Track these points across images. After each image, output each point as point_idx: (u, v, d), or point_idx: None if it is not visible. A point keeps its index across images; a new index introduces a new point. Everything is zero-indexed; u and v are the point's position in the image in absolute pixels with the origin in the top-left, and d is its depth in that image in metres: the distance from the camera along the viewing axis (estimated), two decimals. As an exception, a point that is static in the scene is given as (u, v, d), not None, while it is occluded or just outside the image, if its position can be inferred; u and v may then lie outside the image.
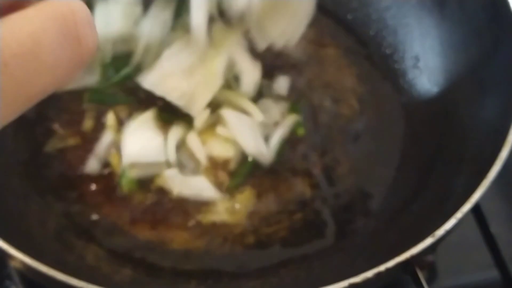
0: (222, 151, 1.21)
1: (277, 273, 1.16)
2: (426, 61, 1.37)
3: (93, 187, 1.21)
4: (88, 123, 1.26)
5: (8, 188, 1.20)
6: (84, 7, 0.37)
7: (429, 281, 1.09)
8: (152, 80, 1.17)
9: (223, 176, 1.20)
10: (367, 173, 1.27)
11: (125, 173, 1.18)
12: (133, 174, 1.17)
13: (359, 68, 1.38)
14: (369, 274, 0.93)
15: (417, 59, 1.38)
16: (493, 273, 1.24)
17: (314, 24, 1.43)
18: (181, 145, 1.20)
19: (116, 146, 1.20)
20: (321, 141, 1.29)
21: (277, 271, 1.16)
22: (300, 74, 1.35)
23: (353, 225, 1.21)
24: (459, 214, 0.99)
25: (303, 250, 1.18)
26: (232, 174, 1.21)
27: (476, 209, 1.27)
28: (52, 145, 1.26)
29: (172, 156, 1.18)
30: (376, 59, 1.39)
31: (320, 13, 1.45)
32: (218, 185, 1.20)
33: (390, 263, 0.94)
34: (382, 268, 0.93)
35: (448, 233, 0.98)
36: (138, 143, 1.18)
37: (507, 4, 1.19)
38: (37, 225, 1.17)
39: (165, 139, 1.19)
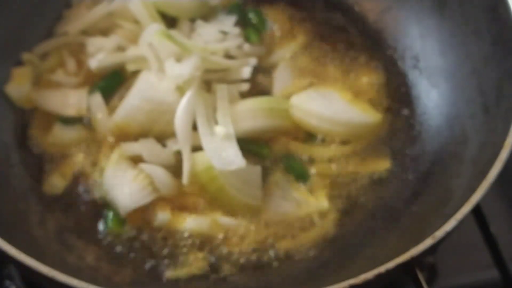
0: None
1: (277, 273, 1.16)
2: (426, 61, 1.37)
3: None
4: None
5: (8, 188, 1.20)
6: None
7: (429, 281, 1.09)
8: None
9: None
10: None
11: (109, 214, 1.19)
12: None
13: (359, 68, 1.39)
14: (369, 275, 0.93)
15: (417, 59, 1.38)
16: (493, 273, 1.24)
17: (316, 22, 1.45)
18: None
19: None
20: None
21: (277, 270, 1.16)
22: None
23: (354, 226, 1.22)
24: (459, 215, 0.99)
25: (304, 250, 1.18)
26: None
27: (476, 210, 1.27)
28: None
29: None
30: (376, 60, 1.40)
31: (322, 12, 1.47)
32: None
33: (390, 264, 0.94)
34: (382, 269, 0.94)
35: (448, 234, 0.98)
36: (126, 190, 1.18)
37: (507, 5, 1.19)
38: (37, 225, 1.17)
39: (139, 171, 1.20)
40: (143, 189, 1.18)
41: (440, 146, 1.26)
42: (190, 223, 1.18)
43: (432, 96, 1.33)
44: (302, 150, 1.26)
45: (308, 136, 1.28)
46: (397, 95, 1.35)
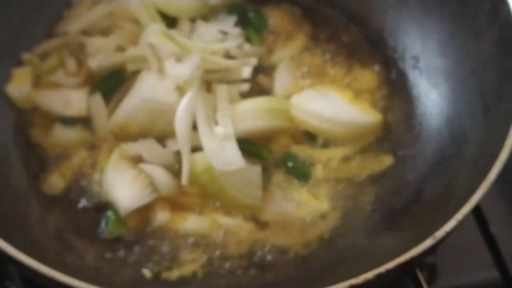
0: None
1: (277, 273, 1.16)
2: (426, 61, 1.37)
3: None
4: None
5: (8, 188, 1.20)
6: None
7: (429, 281, 1.09)
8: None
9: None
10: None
11: (108, 215, 1.19)
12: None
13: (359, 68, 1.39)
14: (369, 275, 0.93)
15: (417, 59, 1.38)
16: (493, 273, 1.24)
17: (317, 22, 1.45)
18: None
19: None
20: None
21: (277, 270, 1.17)
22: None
23: (354, 226, 1.22)
24: (459, 216, 0.99)
25: (304, 250, 1.18)
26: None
27: (476, 210, 1.27)
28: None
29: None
30: (376, 60, 1.40)
31: (322, 12, 1.47)
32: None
33: (390, 264, 0.94)
34: (382, 269, 0.93)
35: (448, 234, 0.98)
36: (126, 190, 1.18)
37: (507, 5, 1.19)
38: (37, 225, 1.17)
39: (139, 172, 1.20)
40: (143, 189, 1.18)
41: (440, 146, 1.26)
42: (190, 223, 1.18)
43: (432, 96, 1.33)
44: (303, 152, 1.27)
45: (310, 138, 1.28)
46: (397, 96, 1.36)
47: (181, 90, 1.24)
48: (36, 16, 1.37)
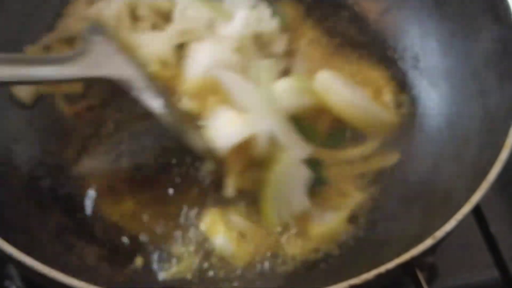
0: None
1: (277, 273, 1.16)
2: (426, 61, 1.37)
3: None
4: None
5: (8, 189, 1.20)
6: None
7: (429, 281, 1.09)
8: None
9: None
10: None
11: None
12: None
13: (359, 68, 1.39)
14: (369, 275, 0.93)
15: (417, 59, 1.38)
16: (493, 273, 1.24)
17: (316, 23, 1.45)
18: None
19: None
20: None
21: (276, 271, 1.16)
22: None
23: (354, 226, 1.22)
24: (459, 216, 0.99)
25: (304, 251, 1.18)
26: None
27: (476, 210, 1.27)
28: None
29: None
30: (376, 59, 1.40)
31: (322, 13, 1.47)
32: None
33: (390, 264, 0.94)
34: (382, 269, 0.93)
35: (448, 234, 0.98)
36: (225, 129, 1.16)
37: (507, 5, 1.19)
38: (37, 225, 1.17)
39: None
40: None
41: (440, 146, 1.26)
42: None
43: (432, 96, 1.33)
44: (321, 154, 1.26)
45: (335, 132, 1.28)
46: (397, 95, 1.36)
47: (239, 50, 1.23)
48: (36, 16, 1.38)
